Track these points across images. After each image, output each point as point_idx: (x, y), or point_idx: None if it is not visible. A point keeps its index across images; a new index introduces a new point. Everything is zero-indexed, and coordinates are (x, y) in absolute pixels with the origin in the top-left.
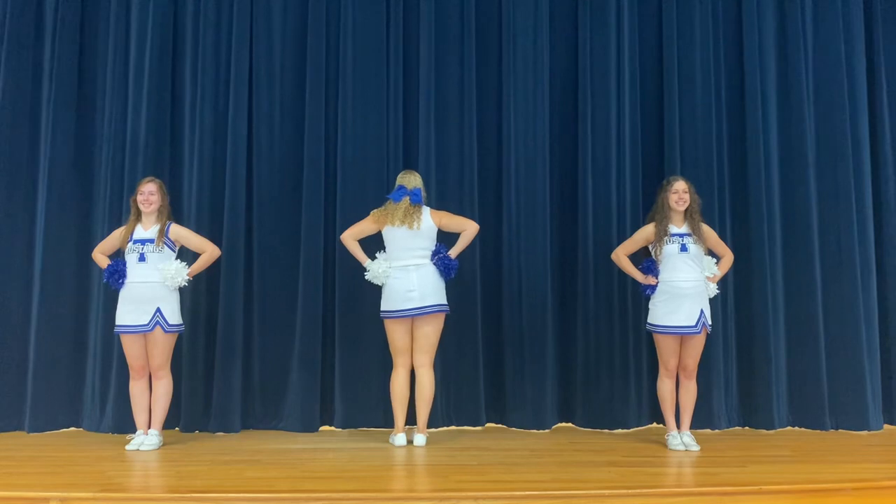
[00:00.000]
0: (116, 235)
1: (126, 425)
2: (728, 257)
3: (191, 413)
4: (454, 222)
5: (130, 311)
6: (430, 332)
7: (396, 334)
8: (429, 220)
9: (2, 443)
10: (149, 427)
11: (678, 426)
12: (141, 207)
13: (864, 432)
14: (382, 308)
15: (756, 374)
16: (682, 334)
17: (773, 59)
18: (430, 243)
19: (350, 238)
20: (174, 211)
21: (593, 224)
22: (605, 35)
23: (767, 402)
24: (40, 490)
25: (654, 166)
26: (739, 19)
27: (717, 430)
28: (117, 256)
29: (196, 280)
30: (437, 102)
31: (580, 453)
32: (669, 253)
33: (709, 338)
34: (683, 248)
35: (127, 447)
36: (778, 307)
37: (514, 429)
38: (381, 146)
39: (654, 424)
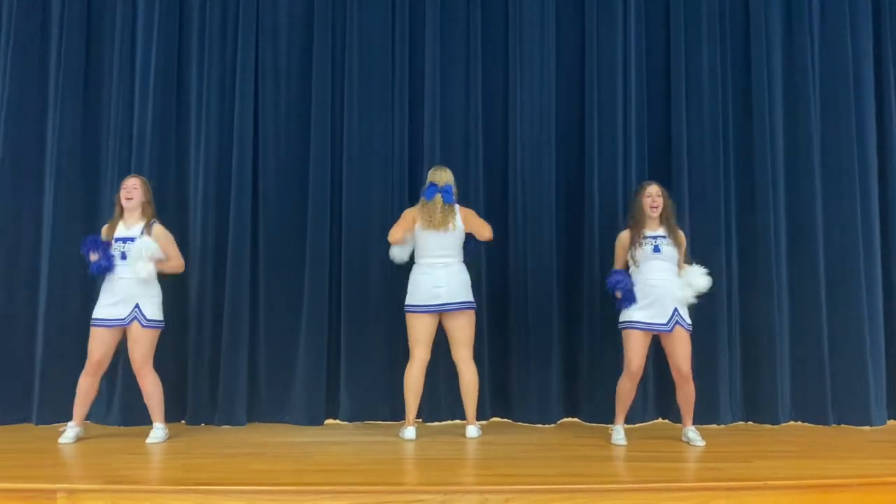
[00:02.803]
0: (102, 234)
1: (133, 418)
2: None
3: (197, 406)
4: (475, 224)
5: (109, 304)
6: (463, 325)
7: (418, 327)
8: (460, 222)
9: (9, 435)
10: (84, 421)
11: (681, 422)
12: (123, 202)
13: (867, 428)
14: (408, 302)
15: (760, 369)
16: (652, 331)
17: (780, 56)
18: (460, 242)
19: (396, 236)
20: (180, 206)
21: (599, 222)
22: (611, 33)
23: (772, 398)
24: (47, 482)
25: (660, 164)
26: (746, 17)
27: (721, 426)
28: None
29: (202, 274)
30: (443, 99)
31: (585, 448)
32: (644, 254)
33: (714, 334)
34: (656, 249)
35: (60, 440)
36: (782, 303)
37: (519, 423)
38: (387, 142)
39: (660, 420)
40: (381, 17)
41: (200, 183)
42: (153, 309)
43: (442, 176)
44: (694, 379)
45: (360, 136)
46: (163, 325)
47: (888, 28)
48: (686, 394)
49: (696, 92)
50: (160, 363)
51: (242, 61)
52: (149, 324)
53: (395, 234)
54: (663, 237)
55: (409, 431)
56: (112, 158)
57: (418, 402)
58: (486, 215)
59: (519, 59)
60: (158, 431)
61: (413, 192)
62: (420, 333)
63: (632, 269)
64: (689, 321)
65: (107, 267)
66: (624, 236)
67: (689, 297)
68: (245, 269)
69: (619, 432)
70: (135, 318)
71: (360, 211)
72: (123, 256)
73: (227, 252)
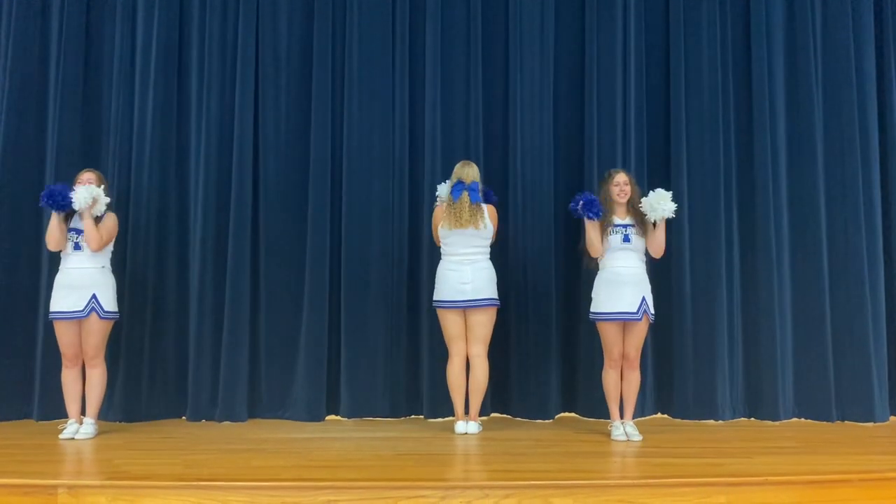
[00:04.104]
0: (54, 225)
1: (134, 414)
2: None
3: (197, 402)
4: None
5: (65, 296)
6: (484, 321)
7: (449, 322)
8: (489, 221)
9: (10, 431)
10: (80, 415)
11: (622, 415)
12: None
13: (870, 424)
14: (435, 298)
15: (762, 365)
16: (623, 320)
17: (782, 52)
18: (488, 241)
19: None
20: (181, 202)
21: None
22: (611, 26)
23: (773, 394)
24: (48, 478)
25: (660, 163)
26: (747, 10)
27: (721, 422)
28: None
29: (202, 270)
30: (443, 94)
31: (585, 443)
32: (612, 243)
33: (714, 329)
34: (626, 239)
35: (60, 436)
36: (784, 298)
37: (518, 419)
38: (387, 136)
39: (659, 414)
40: (382, 12)
41: (201, 179)
42: (109, 300)
43: (469, 172)
44: (694, 373)
45: (360, 132)
46: (118, 315)
47: (890, 24)
48: (632, 382)
49: (696, 90)
50: (161, 359)
51: (243, 57)
52: (106, 315)
53: (437, 241)
54: (631, 226)
55: (461, 426)
56: (112, 155)
57: (464, 396)
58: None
59: (519, 50)
60: (89, 427)
61: (413, 186)
62: (451, 330)
63: (599, 258)
64: (652, 310)
65: (61, 202)
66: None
67: (656, 217)
68: (245, 264)
69: (618, 428)
70: (93, 309)
71: (360, 207)
72: (76, 247)
73: (228, 247)
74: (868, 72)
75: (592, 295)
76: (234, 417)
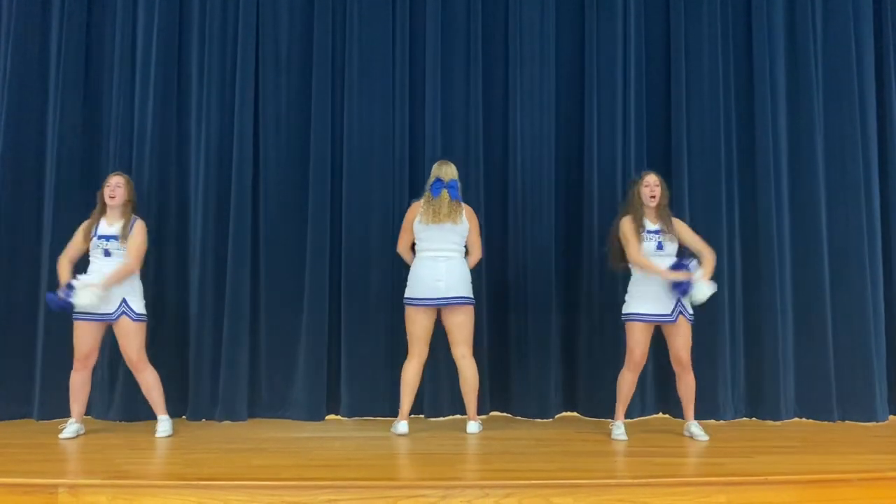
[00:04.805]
0: (80, 236)
1: (134, 413)
2: (710, 255)
3: (198, 402)
4: (473, 237)
5: None
6: (462, 322)
7: (416, 322)
8: (465, 219)
9: (10, 430)
10: (85, 416)
11: (684, 416)
12: (106, 200)
13: (871, 423)
14: (406, 295)
15: (763, 364)
16: (655, 322)
17: (783, 53)
18: (464, 239)
19: (405, 250)
20: (181, 202)
21: (598, 219)
22: (611, 26)
23: (774, 393)
24: (49, 477)
25: (660, 162)
26: (748, 11)
27: (723, 421)
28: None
29: (203, 269)
30: (444, 94)
31: (585, 443)
32: (647, 250)
33: (716, 328)
34: (659, 247)
35: (60, 436)
36: (786, 298)
37: (518, 418)
38: (387, 137)
39: (660, 414)
40: (382, 10)
41: (201, 179)
42: (139, 303)
43: (447, 171)
44: (695, 373)
45: (360, 130)
46: (147, 319)
47: (889, 24)
48: (686, 384)
49: (697, 89)
50: (161, 358)
51: (243, 57)
52: (138, 318)
53: (400, 245)
54: (663, 232)
55: (402, 426)
56: (113, 155)
57: (413, 397)
58: (485, 210)
59: (519, 50)
60: (165, 424)
61: (413, 186)
62: (417, 330)
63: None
64: (690, 311)
65: (64, 306)
66: (628, 221)
67: (706, 290)
68: (246, 263)
69: (619, 427)
70: (123, 312)
71: (360, 206)
72: (107, 253)
73: (228, 246)
74: (868, 73)
75: (626, 297)
76: (234, 417)
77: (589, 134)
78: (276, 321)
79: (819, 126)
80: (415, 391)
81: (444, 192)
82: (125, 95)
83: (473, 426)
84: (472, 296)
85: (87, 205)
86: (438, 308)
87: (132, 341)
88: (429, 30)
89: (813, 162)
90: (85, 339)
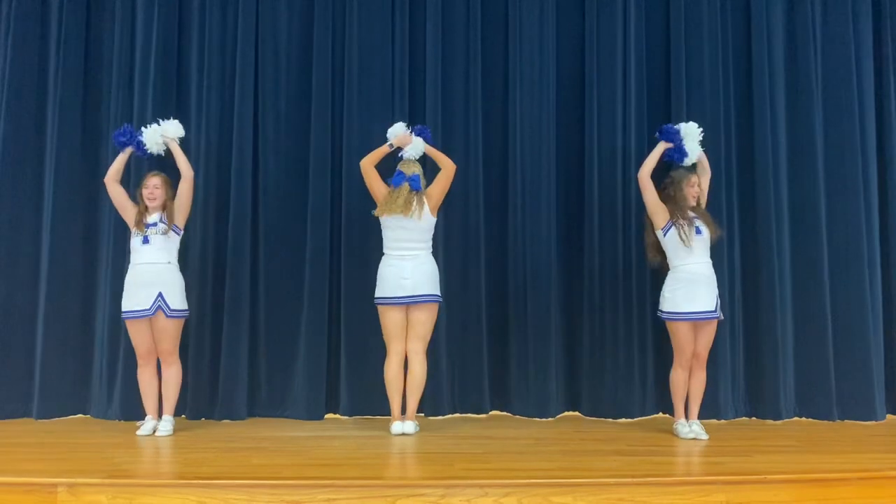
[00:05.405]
0: (130, 202)
1: (134, 412)
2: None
3: (197, 400)
4: (440, 173)
5: (133, 294)
6: (424, 319)
7: (389, 321)
8: (428, 213)
9: (10, 429)
10: (160, 414)
11: (687, 415)
12: (146, 202)
13: (871, 423)
14: (376, 295)
15: (763, 364)
16: (701, 320)
17: (782, 52)
18: (429, 235)
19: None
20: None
21: (599, 217)
22: (611, 25)
23: (774, 393)
24: (48, 476)
25: (660, 161)
26: (748, 11)
27: (723, 420)
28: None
29: (202, 267)
30: (443, 94)
31: (585, 442)
32: (689, 235)
33: (716, 328)
34: (698, 231)
35: (138, 433)
36: (785, 297)
37: (518, 417)
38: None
39: (661, 414)
40: (382, 10)
41: (201, 178)
42: (177, 298)
43: (409, 167)
44: None
45: (360, 131)
46: (188, 313)
47: (889, 23)
48: (699, 380)
49: (697, 88)
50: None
51: (242, 57)
52: (173, 313)
53: (368, 160)
54: (699, 219)
55: (396, 426)
56: (112, 155)
57: (401, 396)
58: (484, 207)
59: (519, 50)
60: (167, 424)
61: None
62: (391, 328)
63: (673, 254)
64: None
65: (126, 141)
66: (663, 211)
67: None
68: (245, 262)
69: (684, 426)
70: (158, 307)
71: (360, 206)
72: (146, 240)
73: (228, 246)
74: (867, 73)
75: (667, 294)
76: (233, 416)
77: (589, 133)
78: (275, 320)
79: (819, 126)
80: (401, 390)
81: (405, 185)
82: (125, 96)
83: (410, 426)
84: (438, 293)
85: (87, 205)
86: (406, 305)
87: (164, 335)
88: (429, 30)
89: (812, 161)
90: (137, 337)
